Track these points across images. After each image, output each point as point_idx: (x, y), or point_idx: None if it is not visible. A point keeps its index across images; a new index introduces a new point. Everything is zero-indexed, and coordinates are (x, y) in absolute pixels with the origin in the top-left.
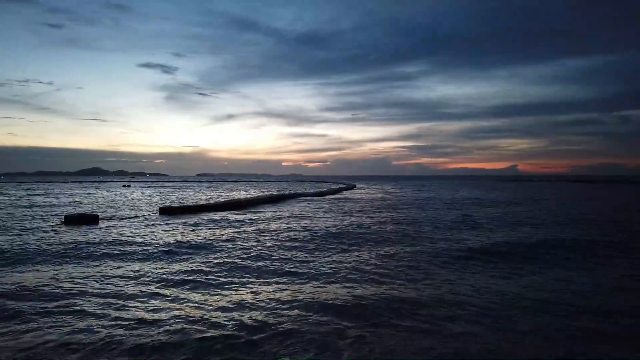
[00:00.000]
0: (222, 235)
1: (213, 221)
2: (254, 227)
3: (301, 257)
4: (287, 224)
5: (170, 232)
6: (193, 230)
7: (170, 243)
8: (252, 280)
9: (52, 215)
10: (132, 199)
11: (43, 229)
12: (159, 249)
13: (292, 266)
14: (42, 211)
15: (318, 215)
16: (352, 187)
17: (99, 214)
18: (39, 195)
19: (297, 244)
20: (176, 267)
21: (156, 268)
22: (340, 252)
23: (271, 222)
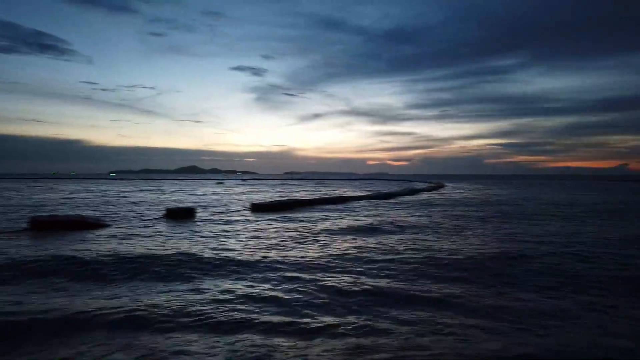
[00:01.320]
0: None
1: (306, 218)
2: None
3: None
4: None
5: (259, 229)
6: (280, 227)
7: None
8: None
9: (154, 209)
10: (224, 196)
11: (147, 219)
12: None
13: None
14: (149, 204)
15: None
16: (441, 186)
17: (196, 207)
18: (148, 190)
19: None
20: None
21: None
22: None
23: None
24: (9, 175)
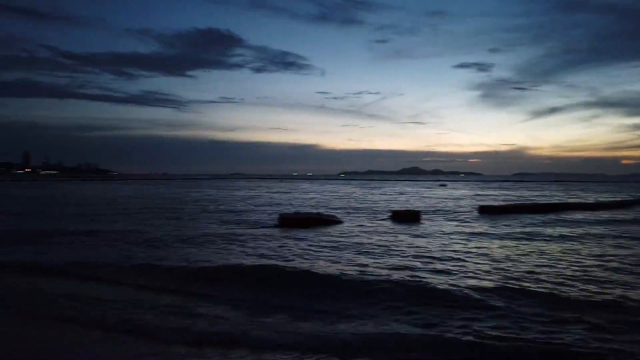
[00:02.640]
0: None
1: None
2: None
3: None
4: None
5: (488, 233)
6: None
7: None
8: None
9: (383, 210)
10: (449, 198)
11: (375, 219)
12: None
13: None
14: (374, 204)
15: None
16: None
17: (420, 210)
18: (372, 189)
19: None
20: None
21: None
22: None
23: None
24: (261, 175)
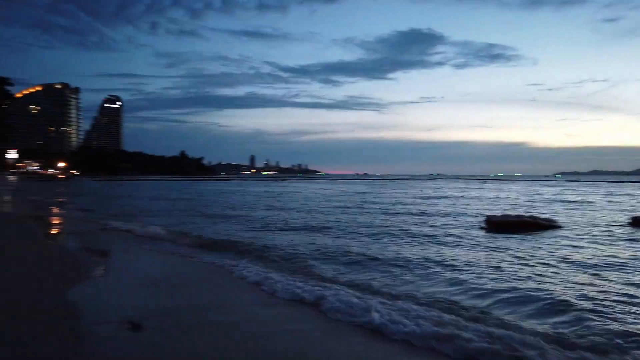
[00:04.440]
0: None
1: None
2: None
3: None
4: None
5: None
6: None
7: None
8: None
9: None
10: None
11: (609, 225)
12: None
13: None
14: (600, 209)
15: None
16: None
17: None
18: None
19: None
20: None
21: None
22: None
23: None
24: (463, 176)
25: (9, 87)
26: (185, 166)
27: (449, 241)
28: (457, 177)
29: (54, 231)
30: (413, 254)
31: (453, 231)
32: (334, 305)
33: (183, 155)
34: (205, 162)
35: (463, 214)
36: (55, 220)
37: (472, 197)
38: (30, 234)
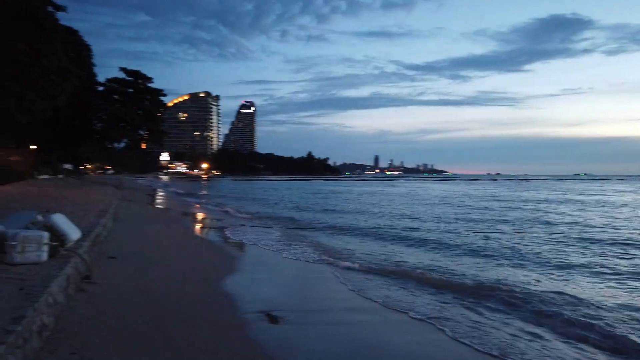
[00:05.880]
0: None
1: None
2: None
3: None
4: None
5: None
6: None
7: None
8: None
9: None
10: None
11: None
12: None
13: None
14: None
15: None
16: None
17: None
18: None
19: None
20: None
21: None
22: None
23: None
24: (617, 176)
25: (162, 97)
26: (312, 166)
27: None
28: (608, 178)
29: (206, 227)
30: None
31: None
32: None
33: (310, 156)
34: (330, 162)
35: None
36: (208, 217)
37: None
38: (188, 229)
